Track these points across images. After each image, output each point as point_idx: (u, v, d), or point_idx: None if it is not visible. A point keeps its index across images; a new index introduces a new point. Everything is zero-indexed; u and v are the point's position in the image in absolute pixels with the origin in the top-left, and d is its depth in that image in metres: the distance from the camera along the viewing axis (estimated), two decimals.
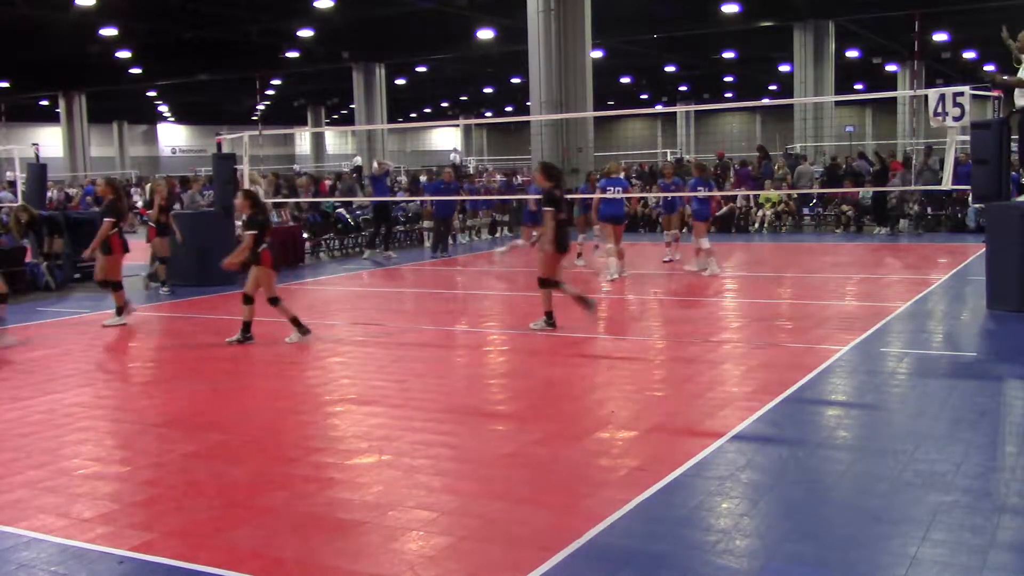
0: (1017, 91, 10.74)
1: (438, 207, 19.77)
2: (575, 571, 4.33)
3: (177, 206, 19.77)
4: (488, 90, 54.44)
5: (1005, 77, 10.82)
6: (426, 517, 4.99)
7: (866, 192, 22.14)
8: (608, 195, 14.39)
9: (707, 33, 35.03)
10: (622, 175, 15.03)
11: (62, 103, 46.73)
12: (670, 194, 16.21)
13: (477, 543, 4.67)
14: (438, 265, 18.43)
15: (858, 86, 49.52)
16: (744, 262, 17.43)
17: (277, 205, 19.31)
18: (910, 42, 32.74)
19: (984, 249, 11.36)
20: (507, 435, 6.55)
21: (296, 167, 51.46)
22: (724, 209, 23.41)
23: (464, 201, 22.40)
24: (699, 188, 15.32)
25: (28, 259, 15.80)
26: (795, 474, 5.58)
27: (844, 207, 22.65)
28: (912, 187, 21.32)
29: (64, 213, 17.78)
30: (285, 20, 31.88)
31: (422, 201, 20.26)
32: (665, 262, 16.32)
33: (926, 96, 11.91)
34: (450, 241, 20.37)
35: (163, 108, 59.90)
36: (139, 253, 15.15)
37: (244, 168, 16.14)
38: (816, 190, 22.99)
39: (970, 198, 17.43)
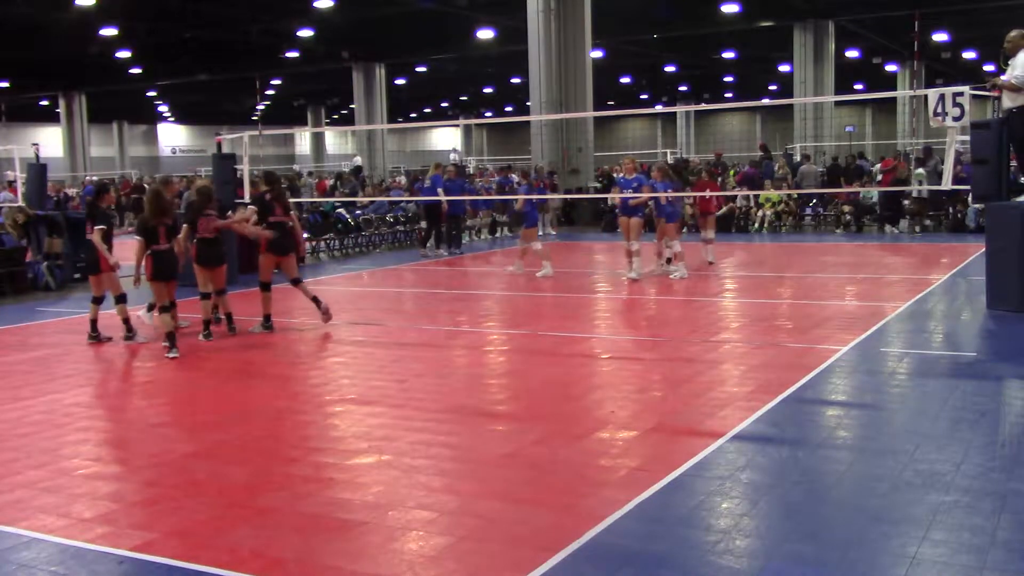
0: (1006, 93, 10.75)
1: (449, 205, 19.84)
2: (575, 571, 4.33)
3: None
4: (488, 90, 54.45)
5: (1000, 79, 10.83)
6: (426, 517, 4.99)
7: (867, 192, 22.16)
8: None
9: (707, 33, 35.05)
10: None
11: (62, 103, 46.74)
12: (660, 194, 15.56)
13: (477, 543, 4.67)
14: (439, 265, 18.42)
15: (858, 86, 49.54)
16: (744, 262, 17.43)
17: None
18: (910, 42, 32.73)
19: (984, 249, 11.35)
20: (507, 435, 6.55)
21: (296, 167, 51.47)
22: (724, 209, 23.42)
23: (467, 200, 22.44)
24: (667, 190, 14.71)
25: (28, 259, 15.80)
26: (795, 474, 5.58)
27: (844, 207, 22.66)
28: (912, 187, 21.34)
29: (64, 213, 17.77)
30: (285, 20, 31.88)
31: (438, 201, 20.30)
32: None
33: (926, 96, 11.91)
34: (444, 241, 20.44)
35: (163, 108, 59.90)
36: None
37: (244, 168, 16.13)
38: (817, 190, 22.99)
39: (970, 198, 17.42)
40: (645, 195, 14.36)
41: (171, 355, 9.38)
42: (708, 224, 16.15)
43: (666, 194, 14.50)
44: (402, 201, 23.02)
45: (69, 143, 47.39)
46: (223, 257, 10.83)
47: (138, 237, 9.82)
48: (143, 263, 9.73)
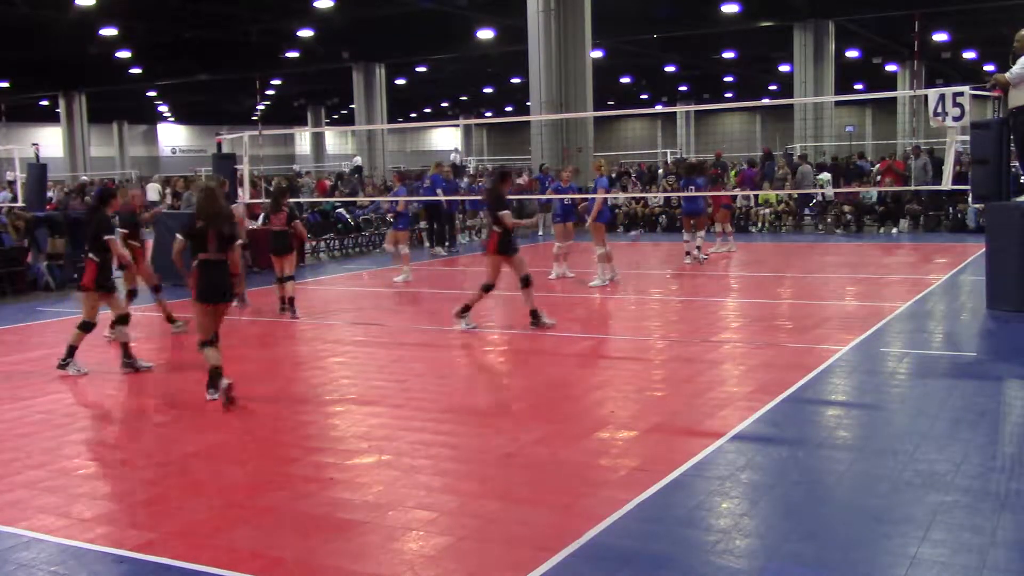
0: (1011, 91, 10.73)
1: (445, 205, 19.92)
2: (575, 571, 4.33)
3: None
4: (488, 90, 54.40)
5: (999, 75, 10.81)
6: (426, 517, 4.99)
7: (867, 192, 22.15)
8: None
9: (707, 33, 35.02)
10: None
11: (62, 103, 46.70)
12: (701, 194, 16.44)
13: (477, 543, 4.67)
14: (438, 265, 18.42)
15: (858, 86, 49.48)
16: (744, 262, 17.43)
17: None
18: (910, 42, 32.71)
19: (984, 249, 11.35)
20: (507, 435, 6.55)
21: (296, 167, 51.42)
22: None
23: (464, 201, 22.45)
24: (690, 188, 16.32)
25: (28, 260, 15.80)
26: (795, 474, 5.58)
27: (845, 207, 22.64)
28: (912, 187, 21.33)
29: (64, 213, 17.76)
30: (285, 20, 31.87)
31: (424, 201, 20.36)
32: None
33: (926, 96, 11.90)
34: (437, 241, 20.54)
35: (163, 108, 59.86)
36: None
37: (244, 168, 16.12)
38: (816, 190, 22.98)
39: (970, 198, 17.41)
40: (602, 195, 14.41)
41: (210, 396, 7.56)
42: (724, 217, 18.53)
43: (679, 193, 15.68)
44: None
45: (69, 143, 47.35)
46: (291, 247, 12.10)
47: (179, 236, 7.86)
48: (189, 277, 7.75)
